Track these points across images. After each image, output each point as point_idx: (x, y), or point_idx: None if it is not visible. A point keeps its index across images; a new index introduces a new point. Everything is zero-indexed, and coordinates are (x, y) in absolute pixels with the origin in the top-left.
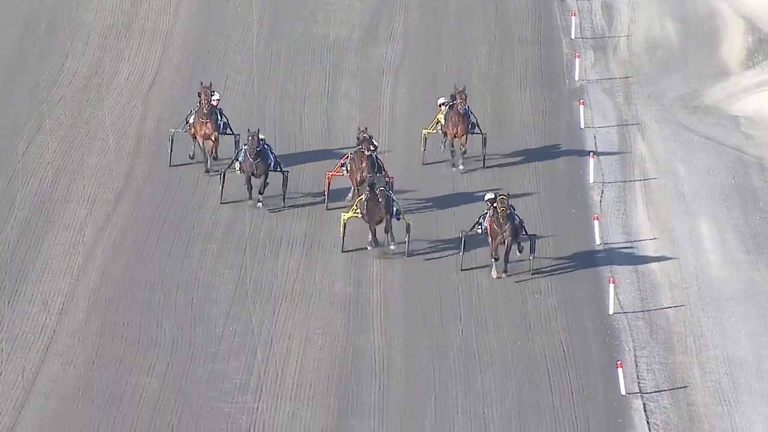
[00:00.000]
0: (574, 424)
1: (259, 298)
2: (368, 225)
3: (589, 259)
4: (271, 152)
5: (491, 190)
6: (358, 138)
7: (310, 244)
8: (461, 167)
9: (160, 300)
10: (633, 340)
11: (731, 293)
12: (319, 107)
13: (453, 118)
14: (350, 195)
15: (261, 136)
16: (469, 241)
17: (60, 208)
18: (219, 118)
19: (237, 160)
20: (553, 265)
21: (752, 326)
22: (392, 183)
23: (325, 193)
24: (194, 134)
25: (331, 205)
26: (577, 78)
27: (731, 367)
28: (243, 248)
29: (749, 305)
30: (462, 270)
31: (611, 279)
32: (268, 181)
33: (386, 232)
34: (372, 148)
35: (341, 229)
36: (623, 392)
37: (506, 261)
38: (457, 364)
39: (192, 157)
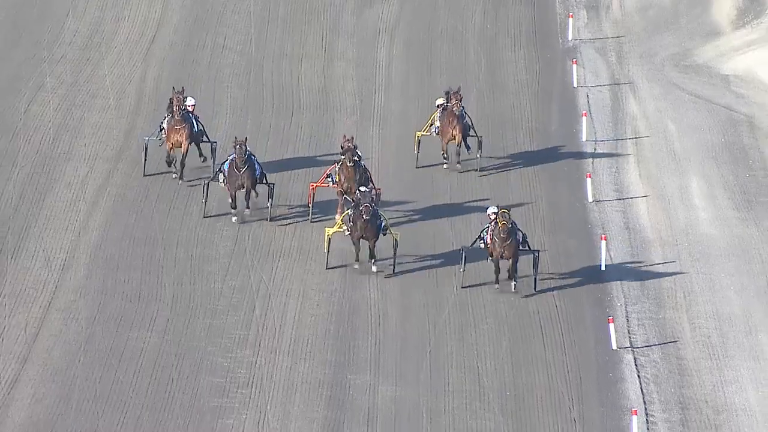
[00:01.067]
0: (565, 378)
1: (258, 254)
2: (352, 241)
3: (581, 217)
4: (257, 163)
5: (487, 201)
6: (342, 146)
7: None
8: (458, 166)
9: (160, 256)
10: (624, 296)
11: (721, 249)
12: (315, 67)
13: (449, 121)
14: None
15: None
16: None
17: (61, 165)
18: (195, 124)
19: (221, 171)
20: (545, 223)
21: (741, 282)
22: (379, 194)
23: (309, 205)
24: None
25: (315, 217)
26: (570, 37)
27: (720, 322)
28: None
29: (738, 261)
30: (462, 287)
31: (603, 236)
32: (257, 191)
33: (371, 250)
34: (356, 159)
35: (326, 245)
36: (614, 347)
37: (514, 275)
38: (451, 320)
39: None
